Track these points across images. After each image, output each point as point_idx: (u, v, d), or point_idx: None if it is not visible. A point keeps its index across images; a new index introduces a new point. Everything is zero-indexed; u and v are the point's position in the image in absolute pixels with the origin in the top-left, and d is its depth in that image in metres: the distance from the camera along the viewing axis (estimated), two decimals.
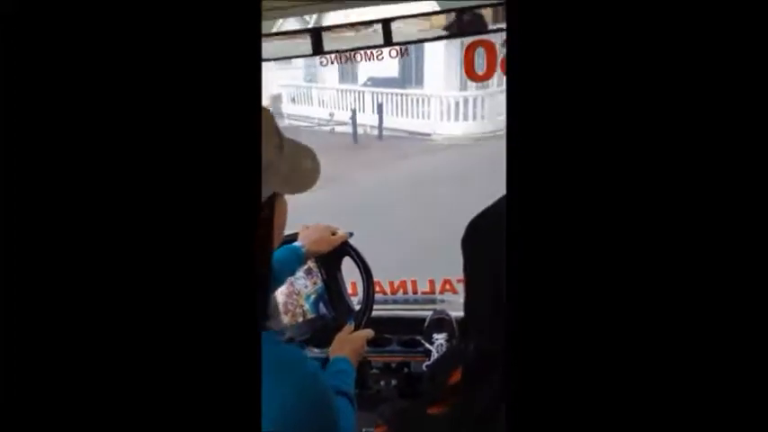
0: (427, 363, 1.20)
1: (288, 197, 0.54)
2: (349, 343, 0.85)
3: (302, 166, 0.52)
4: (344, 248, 0.97)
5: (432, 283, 1.38)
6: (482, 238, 0.47)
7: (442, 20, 1.08)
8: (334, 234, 0.95)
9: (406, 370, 1.20)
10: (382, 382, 1.20)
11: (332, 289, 0.99)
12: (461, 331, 1.16)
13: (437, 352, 1.21)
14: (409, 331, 1.21)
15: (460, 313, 1.27)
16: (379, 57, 1.11)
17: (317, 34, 1.05)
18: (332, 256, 0.98)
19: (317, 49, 1.05)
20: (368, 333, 0.89)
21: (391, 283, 1.34)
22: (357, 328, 0.91)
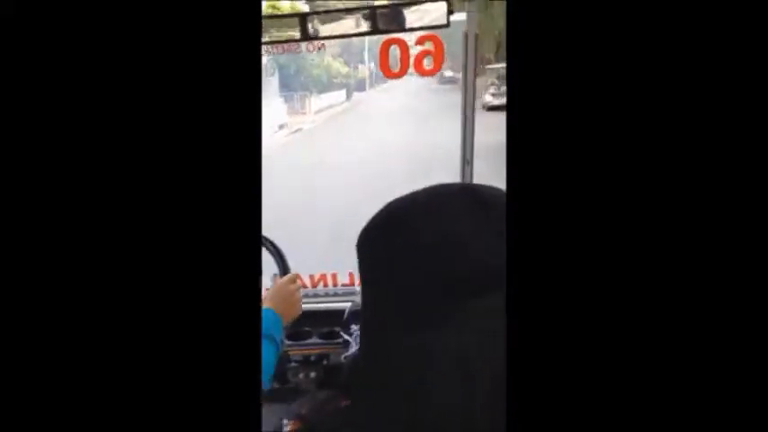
0: (345, 354, 1.24)
1: None
2: (275, 294, 0.90)
3: None
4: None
5: (351, 275, 1.41)
6: (375, 244, 0.49)
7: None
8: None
9: (325, 362, 1.23)
10: (302, 375, 1.23)
11: None
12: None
13: (355, 343, 1.26)
14: (329, 323, 1.24)
15: None
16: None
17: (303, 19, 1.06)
18: None
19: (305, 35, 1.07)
20: (291, 275, 0.97)
21: (311, 277, 1.35)
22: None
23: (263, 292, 0.92)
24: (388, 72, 1.17)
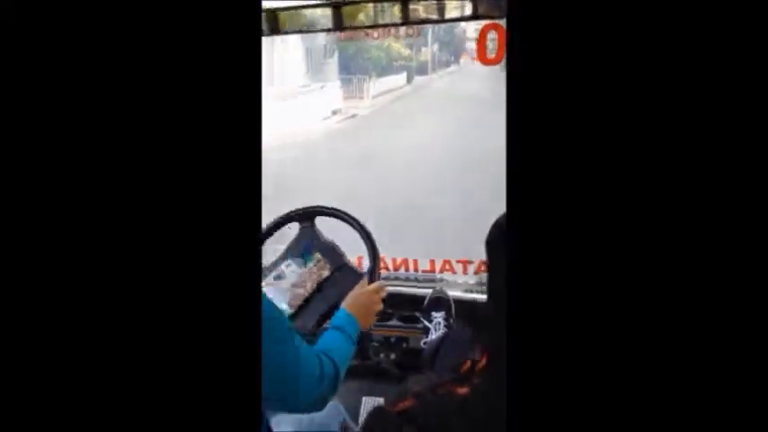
0: (425, 339, 1.32)
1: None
2: (357, 297, 0.97)
3: None
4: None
5: (432, 262, 1.48)
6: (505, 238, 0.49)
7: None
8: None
9: (404, 345, 1.32)
10: (382, 355, 1.32)
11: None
12: (458, 315, 1.26)
13: (435, 329, 1.34)
14: (409, 308, 1.32)
15: (458, 293, 1.39)
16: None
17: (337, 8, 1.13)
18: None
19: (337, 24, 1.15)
20: (379, 285, 1.02)
21: (394, 260, 1.44)
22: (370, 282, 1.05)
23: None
24: (484, 59, 1.23)
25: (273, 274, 1.11)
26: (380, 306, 1.01)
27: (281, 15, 1.15)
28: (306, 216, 1.18)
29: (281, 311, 0.67)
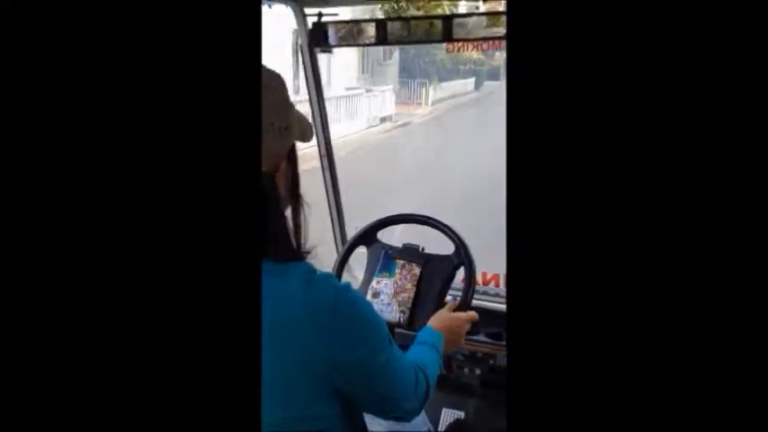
0: None
1: None
2: (447, 320, 1.01)
3: (305, 120, 0.73)
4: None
5: None
6: None
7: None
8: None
9: (491, 362, 1.40)
10: (466, 369, 1.40)
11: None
12: None
13: None
14: (497, 324, 1.39)
15: None
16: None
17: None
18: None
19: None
20: (470, 316, 1.05)
21: (484, 274, 1.53)
22: (460, 308, 1.08)
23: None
24: None
25: (369, 295, 1.20)
26: (464, 337, 1.05)
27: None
28: (370, 233, 1.28)
29: (382, 322, 0.71)
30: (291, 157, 0.70)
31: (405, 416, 0.77)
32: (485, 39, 1.19)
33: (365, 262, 1.25)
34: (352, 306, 0.64)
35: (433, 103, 14.54)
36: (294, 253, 0.68)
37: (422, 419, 1.15)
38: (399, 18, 1.27)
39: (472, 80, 18.92)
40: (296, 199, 0.71)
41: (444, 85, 16.03)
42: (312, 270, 0.65)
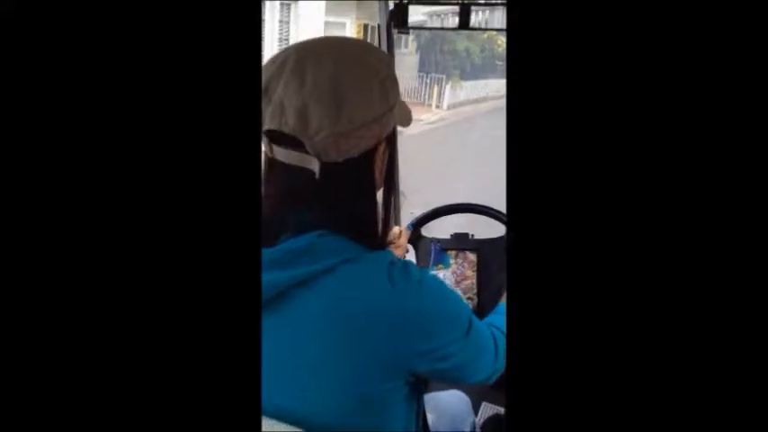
0: None
1: None
2: None
3: (405, 105, 0.79)
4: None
5: None
6: None
7: None
8: None
9: None
10: None
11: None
12: None
13: None
14: None
15: None
16: None
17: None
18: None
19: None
20: None
21: None
22: None
23: None
24: None
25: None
26: None
27: None
28: (418, 226, 1.47)
29: (463, 306, 0.82)
30: (391, 140, 0.79)
31: (484, 381, 0.89)
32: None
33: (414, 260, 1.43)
34: (433, 295, 0.74)
35: (449, 107, 12.97)
36: (380, 242, 0.79)
37: (468, 412, 1.32)
38: (483, 3, 1.51)
39: (504, 80, 16.78)
40: (390, 184, 0.82)
41: (469, 84, 14.57)
42: (393, 259, 0.74)
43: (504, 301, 1.11)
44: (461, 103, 13.79)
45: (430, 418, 1.08)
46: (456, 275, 1.40)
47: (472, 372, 0.83)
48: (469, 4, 1.48)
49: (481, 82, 15.31)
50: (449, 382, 0.97)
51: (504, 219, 1.33)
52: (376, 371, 0.71)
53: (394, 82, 0.76)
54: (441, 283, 0.79)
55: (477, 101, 14.49)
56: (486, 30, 1.52)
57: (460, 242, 1.43)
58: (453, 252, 1.42)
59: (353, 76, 0.71)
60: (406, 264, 0.74)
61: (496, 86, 15.71)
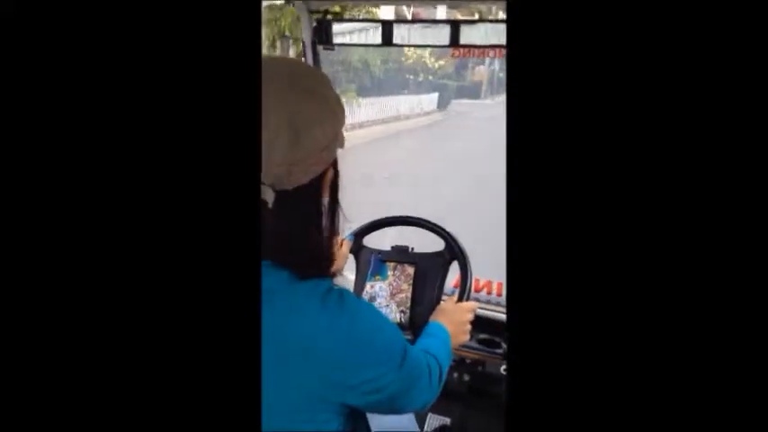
0: (505, 367, 1.84)
1: None
2: (448, 313, 1.34)
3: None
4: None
5: None
6: None
7: None
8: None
9: (480, 368, 1.89)
10: (455, 375, 1.89)
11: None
12: None
13: None
14: (488, 331, 1.88)
15: None
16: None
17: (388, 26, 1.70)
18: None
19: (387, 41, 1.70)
20: (472, 305, 1.40)
21: (476, 281, 2.03)
22: (459, 300, 1.44)
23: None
24: None
25: (365, 299, 1.56)
26: (469, 326, 1.35)
27: None
28: (359, 236, 1.65)
29: (396, 335, 0.93)
30: (335, 165, 0.90)
31: (419, 409, 1.03)
32: (492, 46, 1.61)
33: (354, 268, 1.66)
34: (366, 327, 0.86)
35: (360, 126, 12.81)
36: (322, 270, 0.88)
37: (410, 421, 1.56)
38: (404, 21, 1.76)
39: (434, 97, 17.13)
40: (335, 208, 0.93)
41: (372, 100, 14.03)
42: (330, 288, 0.85)
43: (434, 319, 1.31)
44: (375, 122, 13.60)
45: None
46: (392, 288, 1.59)
47: (406, 402, 0.96)
48: (391, 22, 1.71)
49: (388, 98, 14.86)
50: (383, 413, 1.12)
51: (445, 234, 1.55)
52: (308, 403, 0.82)
53: (342, 108, 0.88)
54: (376, 314, 0.92)
55: (393, 119, 14.30)
56: (410, 46, 1.77)
57: (400, 255, 1.63)
58: (392, 264, 1.61)
59: (310, 107, 0.81)
60: (342, 293, 0.86)
61: (411, 102, 15.50)
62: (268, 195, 0.79)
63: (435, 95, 17.28)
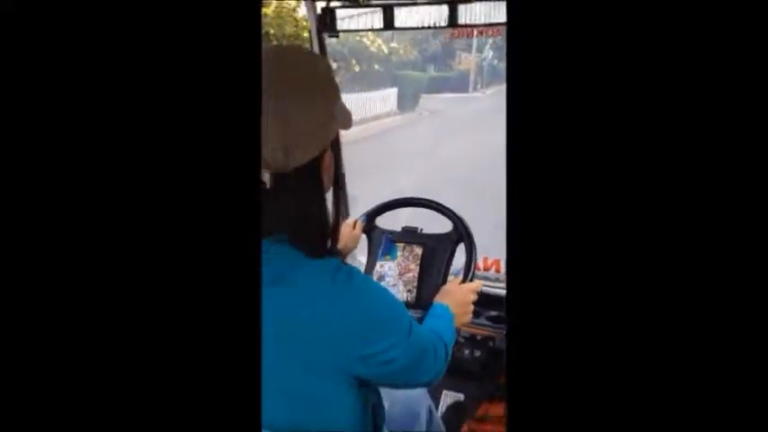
0: None
1: None
2: (451, 294, 1.38)
3: (346, 108, 0.92)
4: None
5: None
6: None
7: None
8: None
9: (491, 344, 1.97)
10: (466, 351, 1.98)
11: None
12: None
13: None
14: (497, 308, 1.96)
15: None
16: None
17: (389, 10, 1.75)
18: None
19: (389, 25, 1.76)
20: (474, 286, 1.44)
21: (485, 260, 2.10)
22: (464, 281, 1.50)
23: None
24: None
25: (374, 278, 1.62)
26: (472, 307, 1.40)
27: None
28: (372, 217, 1.70)
29: (402, 311, 0.97)
30: (335, 146, 0.93)
31: (426, 385, 1.10)
32: (489, 25, 1.65)
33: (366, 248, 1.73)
34: (375, 301, 0.91)
35: None
36: (328, 250, 0.93)
37: (423, 396, 1.58)
38: (406, 3, 1.78)
39: (392, 93, 14.12)
40: (337, 189, 0.97)
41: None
42: (338, 266, 0.89)
43: (439, 300, 1.36)
44: None
45: (386, 406, 1.23)
46: (400, 267, 1.65)
47: (416, 376, 1.01)
48: (392, 5, 1.76)
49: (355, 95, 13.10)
50: (394, 386, 1.17)
51: (454, 216, 1.61)
52: (321, 375, 0.86)
53: (334, 87, 0.91)
54: (383, 290, 0.98)
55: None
56: (412, 29, 1.80)
57: (409, 236, 1.69)
58: (402, 244, 1.67)
59: (297, 87, 0.84)
60: (351, 270, 0.90)
61: (365, 100, 13.06)
62: (264, 176, 0.83)
63: (393, 91, 14.61)
